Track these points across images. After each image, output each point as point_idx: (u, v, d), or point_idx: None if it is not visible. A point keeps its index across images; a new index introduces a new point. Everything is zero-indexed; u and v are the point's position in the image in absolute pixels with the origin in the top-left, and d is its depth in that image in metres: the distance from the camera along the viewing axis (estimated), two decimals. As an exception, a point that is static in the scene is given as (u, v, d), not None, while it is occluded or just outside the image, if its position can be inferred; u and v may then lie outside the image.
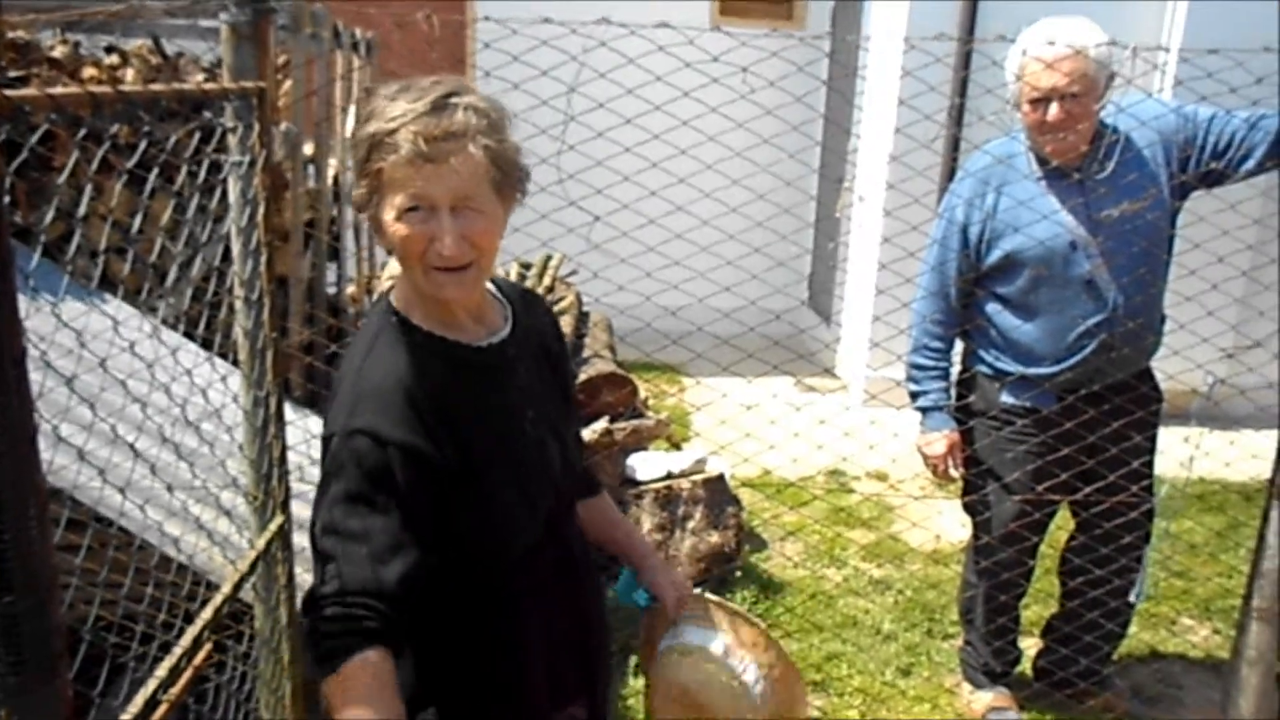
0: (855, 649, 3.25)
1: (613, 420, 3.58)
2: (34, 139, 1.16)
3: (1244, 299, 3.17)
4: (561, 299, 4.12)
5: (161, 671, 1.45)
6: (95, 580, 1.63)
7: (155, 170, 1.57)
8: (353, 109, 3.66)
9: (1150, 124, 2.47)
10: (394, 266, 3.86)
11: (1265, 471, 2.32)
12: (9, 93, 0.97)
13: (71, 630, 1.11)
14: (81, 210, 1.43)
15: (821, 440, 3.01)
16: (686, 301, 2.65)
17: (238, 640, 1.97)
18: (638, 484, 3.45)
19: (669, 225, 2.51)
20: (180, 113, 2.17)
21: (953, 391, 2.77)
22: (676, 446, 4.25)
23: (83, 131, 1.54)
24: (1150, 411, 2.68)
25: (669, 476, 3.50)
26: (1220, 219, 2.61)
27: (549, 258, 4.26)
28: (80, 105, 1.11)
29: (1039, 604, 3.29)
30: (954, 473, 2.75)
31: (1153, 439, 2.72)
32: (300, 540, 2.06)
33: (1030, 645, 3.07)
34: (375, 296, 3.69)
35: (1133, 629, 3.05)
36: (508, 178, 1.30)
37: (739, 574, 3.59)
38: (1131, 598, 2.65)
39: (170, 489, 1.72)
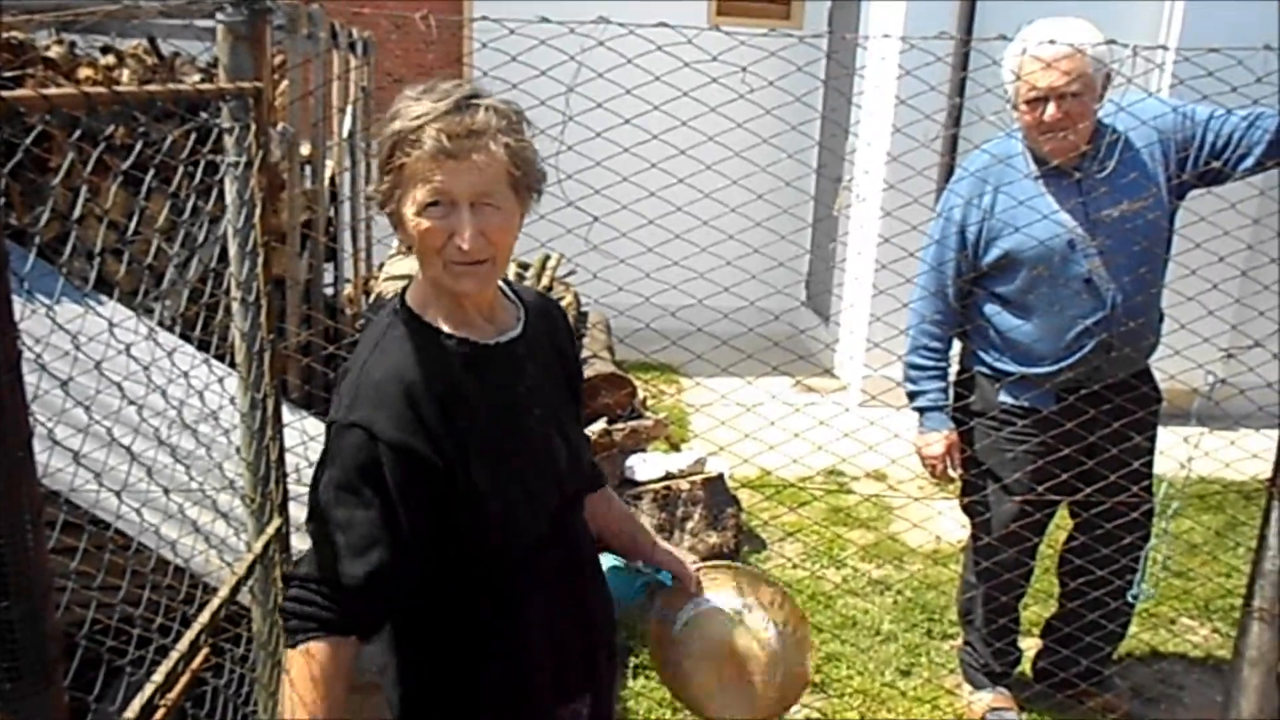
0: (855, 649, 3.24)
1: (611, 421, 3.57)
2: (29, 139, 1.15)
3: (1242, 298, 3.17)
4: (560, 299, 4.11)
5: (159, 676, 1.44)
6: (91, 584, 1.62)
7: (151, 171, 1.57)
8: (350, 109, 3.65)
9: (1149, 123, 2.47)
10: (391, 268, 3.85)
11: (1265, 471, 2.32)
12: (4, 94, 0.96)
13: (67, 634, 1.10)
14: (77, 212, 1.42)
15: (820, 441, 3.00)
16: (685, 302, 2.64)
17: (235, 644, 1.96)
18: (636, 484, 3.44)
19: (666, 226, 2.50)
20: (176, 113, 2.16)
21: (951, 392, 2.77)
22: (675, 447, 4.25)
23: (78, 132, 1.53)
24: (1150, 411, 2.68)
25: (668, 477, 3.49)
26: (1218, 218, 2.61)
27: (547, 258, 4.26)
28: (76, 106, 1.10)
29: (1038, 604, 3.29)
30: (952, 473, 2.75)
31: (1152, 439, 2.72)
32: (298, 543, 2.05)
33: (1030, 646, 3.07)
34: (373, 298, 3.68)
35: (1132, 629, 3.04)
36: (525, 177, 1.33)
37: (738, 575, 3.58)
38: (1131, 597, 2.64)
39: (167, 491, 1.70)
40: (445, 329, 1.39)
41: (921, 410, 2.74)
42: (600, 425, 3.48)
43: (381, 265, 4.06)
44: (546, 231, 2.30)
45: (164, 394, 1.58)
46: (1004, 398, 2.65)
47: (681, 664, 1.78)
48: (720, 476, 3.57)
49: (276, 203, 2.74)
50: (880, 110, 4.93)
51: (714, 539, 3.49)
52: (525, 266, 4.26)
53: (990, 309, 2.64)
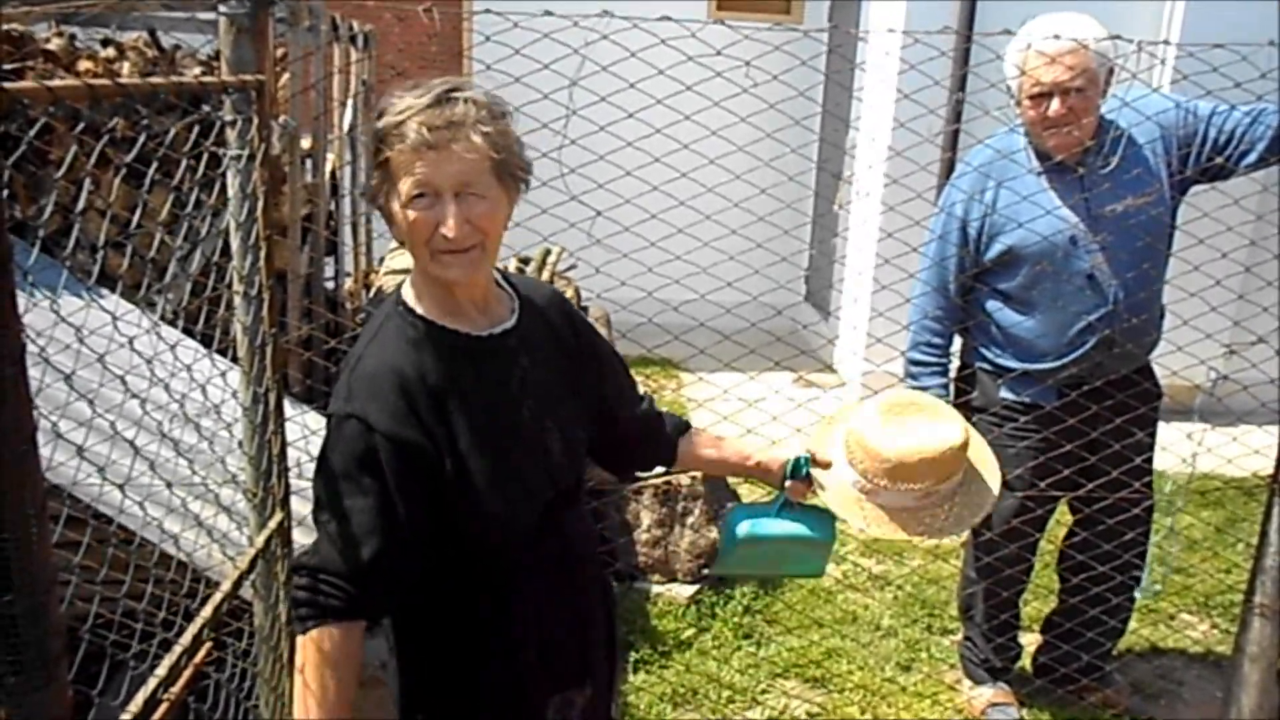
0: (855, 645, 3.24)
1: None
2: (32, 132, 1.14)
3: (1244, 294, 3.16)
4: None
5: (162, 670, 1.44)
6: (94, 578, 1.62)
7: (154, 164, 1.56)
8: (350, 103, 3.64)
9: (1152, 118, 2.47)
10: (392, 262, 3.84)
11: (1266, 467, 2.32)
12: (8, 85, 0.95)
13: (70, 629, 1.09)
14: (80, 205, 1.41)
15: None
16: (685, 297, 2.64)
17: (238, 638, 1.96)
18: (637, 479, 3.44)
19: (667, 220, 2.49)
20: (178, 106, 2.16)
21: (952, 388, 2.76)
22: (675, 442, 4.23)
23: (81, 125, 1.52)
24: (1151, 407, 2.67)
25: (669, 472, 3.49)
26: (1220, 213, 2.60)
27: (547, 252, 4.25)
28: (79, 98, 1.09)
29: (1039, 600, 3.29)
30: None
31: (1153, 435, 2.72)
32: (300, 537, 2.05)
33: (1030, 642, 3.07)
34: (373, 292, 3.67)
35: (1133, 625, 3.04)
36: (508, 164, 1.35)
37: (738, 570, 3.59)
38: (1137, 593, 2.64)
39: (170, 486, 1.70)
40: (438, 321, 1.42)
41: (922, 406, 2.73)
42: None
43: (382, 259, 4.05)
44: (547, 226, 2.30)
45: (167, 388, 1.57)
46: (1005, 394, 2.65)
47: (883, 460, 1.66)
48: (721, 471, 3.57)
49: (279, 196, 2.73)
50: (881, 105, 4.93)
51: (714, 534, 3.49)
52: (526, 261, 4.25)
53: (992, 305, 2.63)
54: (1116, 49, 2.39)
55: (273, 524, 1.88)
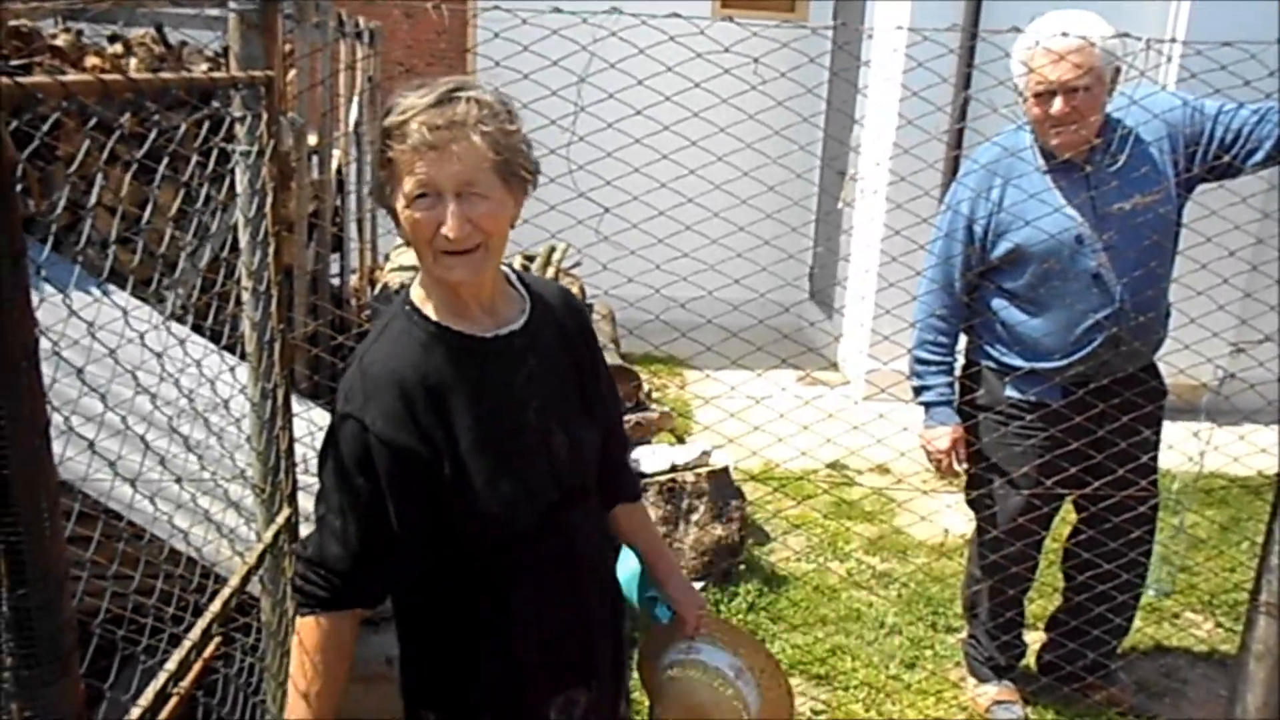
0: (859, 642, 3.24)
1: (617, 413, 3.57)
2: (46, 127, 1.15)
3: (1250, 293, 3.16)
4: (565, 291, 4.11)
5: (171, 664, 1.44)
6: (104, 573, 1.62)
7: (160, 160, 1.56)
8: (356, 100, 3.65)
9: (1159, 117, 2.46)
10: (398, 258, 3.84)
11: (1272, 466, 2.32)
12: (23, 80, 0.95)
13: (81, 623, 1.10)
14: (93, 200, 1.42)
15: (824, 434, 3.00)
16: (691, 294, 2.64)
17: (245, 633, 1.97)
18: (642, 477, 3.44)
19: (673, 217, 2.49)
20: (188, 102, 2.16)
21: (957, 386, 2.76)
22: (680, 439, 4.25)
23: (94, 120, 1.52)
24: (1156, 405, 2.67)
25: (673, 469, 3.49)
26: (1227, 212, 2.60)
27: (553, 249, 4.25)
28: (92, 93, 1.09)
29: (1043, 598, 3.29)
30: (957, 468, 2.74)
31: (1158, 433, 2.72)
32: (306, 533, 2.05)
33: (1034, 640, 3.07)
34: (378, 288, 3.67)
35: (1137, 624, 3.04)
36: (511, 164, 1.34)
37: (743, 567, 3.59)
38: (1151, 592, 2.64)
39: (179, 481, 1.71)
40: (444, 323, 1.42)
41: (927, 405, 2.74)
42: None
43: (387, 256, 4.06)
44: (554, 222, 2.30)
45: (177, 384, 1.58)
46: (1011, 392, 2.65)
47: (661, 706, 1.74)
48: (725, 469, 3.57)
49: (286, 192, 2.73)
50: (888, 102, 4.92)
51: (719, 531, 3.49)
52: (531, 258, 4.25)
53: (998, 303, 2.63)
54: (1124, 47, 2.39)
55: (280, 519, 1.89)
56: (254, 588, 1.89)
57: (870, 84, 5.16)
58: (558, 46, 2.00)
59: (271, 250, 1.75)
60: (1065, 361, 2.56)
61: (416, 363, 1.38)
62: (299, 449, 2.02)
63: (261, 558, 1.82)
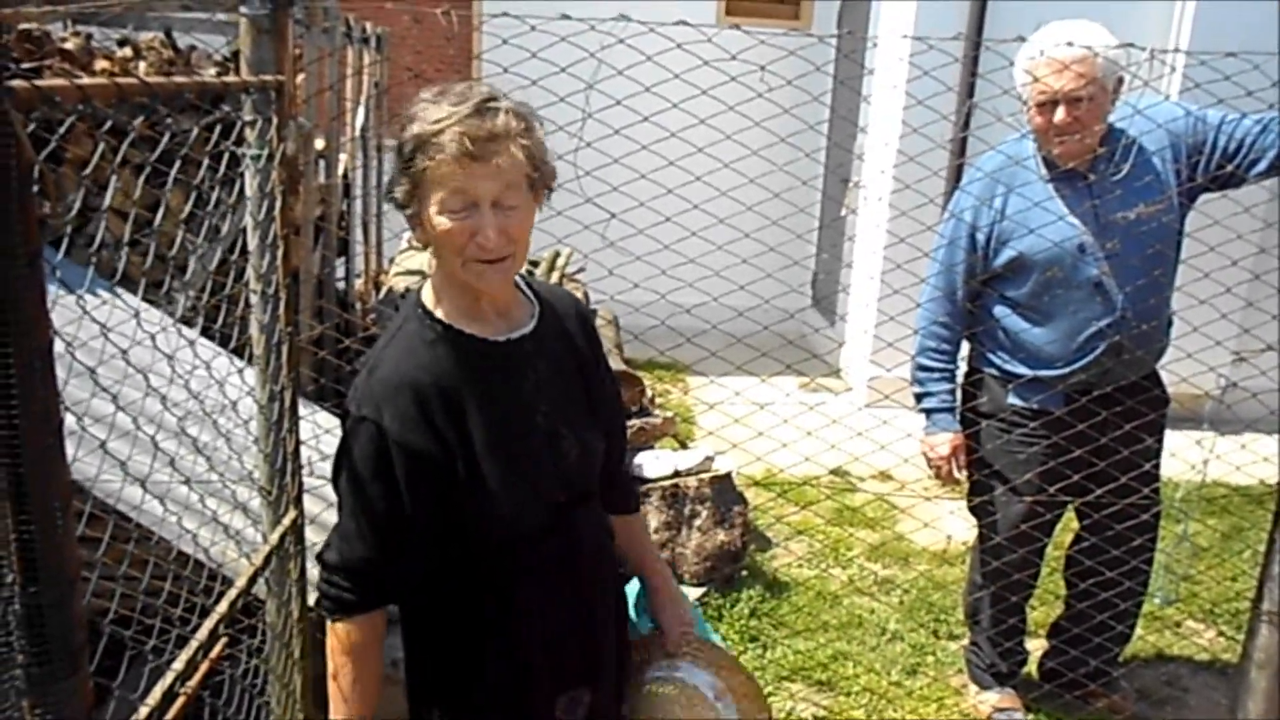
0: (861, 648, 3.25)
1: (620, 418, 3.58)
2: (62, 130, 1.16)
3: (1252, 302, 3.17)
4: (569, 296, 4.12)
5: (179, 664, 1.45)
6: (111, 574, 1.63)
7: (166, 163, 1.57)
8: (363, 104, 3.66)
9: (1162, 126, 2.47)
10: (404, 262, 3.86)
11: (1274, 474, 2.33)
12: (39, 83, 0.97)
13: (90, 622, 1.11)
14: (106, 202, 1.43)
15: (827, 440, 3.01)
16: (693, 300, 2.65)
17: (250, 634, 1.97)
18: (645, 482, 3.45)
19: (677, 223, 2.50)
20: (200, 106, 2.17)
21: (959, 393, 2.77)
22: (683, 445, 4.25)
23: (109, 124, 1.54)
24: (1159, 413, 2.68)
25: (676, 475, 3.50)
26: (1229, 221, 2.61)
27: (557, 254, 4.26)
28: (107, 96, 1.11)
29: (1045, 605, 3.30)
30: (958, 475, 2.75)
31: (1161, 441, 2.72)
32: (312, 536, 2.06)
33: (1035, 647, 3.07)
34: (384, 292, 3.69)
35: (1139, 632, 3.05)
36: (541, 177, 1.39)
37: (745, 573, 3.60)
38: (1157, 599, 2.65)
39: (189, 483, 1.72)
40: (456, 325, 1.44)
41: (928, 411, 2.74)
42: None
43: (393, 260, 4.07)
44: (560, 228, 2.31)
45: (187, 386, 1.59)
46: (1013, 400, 2.66)
47: (636, 714, 1.75)
48: (728, 475, 3.58)
49: (295, 196, 2.75)
50: (891, 110, 4.94)
51: (722, 537, 3.50)
52: (535, 263, 4.27)
53: (1001, 311, 2.64)
54: (1127, 57, 2.40)
55: (286, 521, 1.89)
56: (260, 589, 1.90)
57: (874, 92, 5.18)
58: (565, 53, 2.01)
59: (280, 254, 1.77)
60: (1068, 369, 2.56)
61: (429, 366, 1.40)
62: (304, 451, 2.03)
63: (267, 559, 1.83)
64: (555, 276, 4.17)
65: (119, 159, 1.35)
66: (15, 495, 0.98)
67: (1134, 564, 2.73)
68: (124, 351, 1.28)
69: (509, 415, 1.45)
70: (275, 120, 1.68)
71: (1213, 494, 4.14)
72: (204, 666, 1.58)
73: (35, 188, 0.98)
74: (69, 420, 1.10)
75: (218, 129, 1.82)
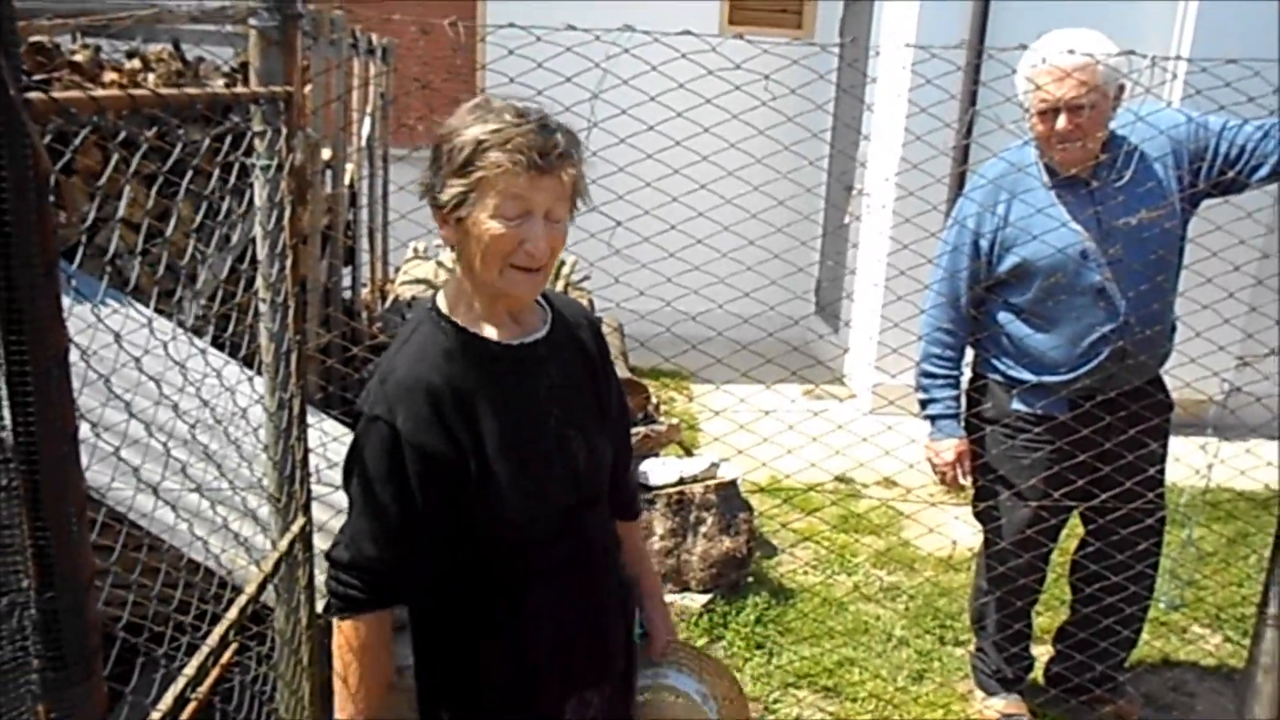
0: (867, 655, 3.25)
1: (625, 425, 3.59)
2: (78, 142, 1.18)
3: (1256, 306, 3.18)
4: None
5: (190, 670, 1.46)
6: (125, 581, 1.65)
7: (174, 173, 1.59)
8: (369, 115, 3.69)
9: (1164, 133, 2.48)
10: (412, 271, 3.87)
11: (1278, 480, 2.33)
12: (56, 95, 0.98)
13: (102, 629, 1.12)
14: (119, 212, 1.45)
15: (832, 447, 3.02)
16: (698, 308, 2.66)
17: (260, 641, 1.99)
18: (650, 489, 3.46)
19: (682, 231, 2.52)
20: (211, 117, 2.19)
21: (964, 399, 2.78)
22: (688, 452, 4.26)
23: (112, 135, 1.55)
24: (1163, 418, 2.69)
25: (681, 481, 3.51)
26: (1232, 226, 2.62)
27: (562, 263, 4.28)
28: (121, 107, 1.12)
29: (1050, 611, 3.30)
30: (962, 481, 2.76)
31: (1165, 445, 2.73)
32: (320, 543, 2.07)
33: (1042, 653, 3.08)
34: (390, 300, 3.70)
35: (1145, 637, 3.05)
36: (580, 196, 1.45)
37: (751, 579, 3.60)
38: (1163, 603, 2.65)
39: (200, 490, 1.73)
40: (471, 328, 1.46)
41: (933, 418, 2.75)
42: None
43: (398, 269, 4.09)
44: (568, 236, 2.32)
45: (199, 394, 1.60)
46: (1018, 405, 2.66)
47: None
48: (733, 482, 3.59)
49: (304, 206, 2.77)
50: (894, 118, 4.95)
51: (727, 544, 3.50)
52: (540, 271, 4.28)
53: (1004, 317, 2.65)
54: (1130, 64, 2.41)
55: (295, 528, 1.91)
56: (269, 596, 1.91)
57: (877, 100, 5.20)
58: (570, 63, 2.03)
59: (289, 263, 1.78)
60: (1072, 375, 2.57)
61: (443, 367, 1.42)
62: (313, 459, 2.04)
63: (276, 566, 1.84)
64: (561, 284, 4.18)
65: (132, 170, 1.37)
66: (31, 501, 1.00)
67: (1139, 569, 2.73)
68: (137, 360, 1.30)
69: (522, 418, 1.47)
70: (284, 130, 1.70)
71: (1217, 499, 4.14)
72: (214, 672, 1.59)
73: (51, 198, 0.99)
74: (82, 429, 1.12)
75: (227, 139, 1.84)
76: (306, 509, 1.95)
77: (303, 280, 1.83)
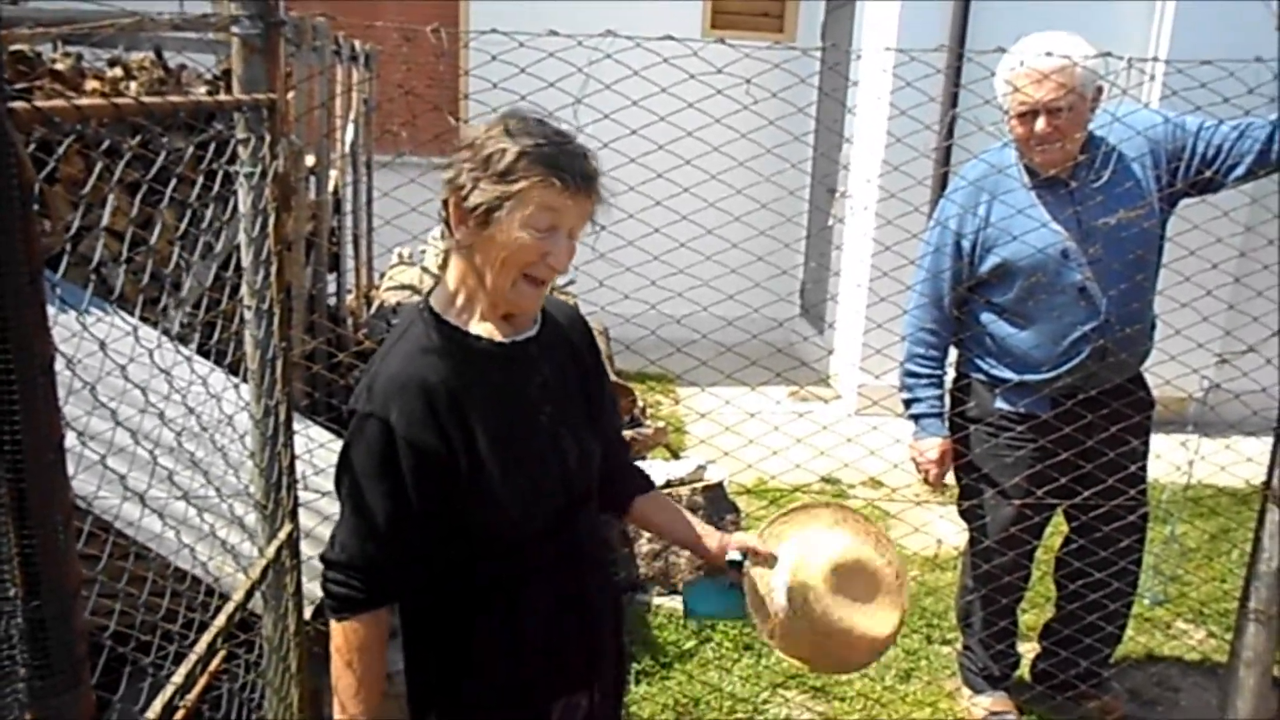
0: (855, 655, 3.26)
1: (612, 429, 3.60)
2: (61, 150, 1.18)
3: (1235, 304, 3.21)
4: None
5: (178, 678, 1.46)
6: (111, 590, 1.64)
7: (157, 181, 1.59)
8: (353, 122, 3.69)
9: (1142, 133, 2.51)
10: (396, 277, 3.87)
11: (1259, 475, 2.35)
12: (39, 104, 0.98)
13: (89, 637, 1.12)
14: (104, 220, 1.45)
15: (817, 448, 3.03)
16: (683, 311, 2.67)
17: (248, 648, 1.98)
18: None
19: (664, 235, 2.53)
20: (195, 125, 2.19)
21: (947, 399, 2.80)
22: (675, 455, 4.27)
23: (92, 143, 1.55)
24: (1144, 415, 2.71)
25: (668, 485, 3.52)
26: (1211, 225, 2.65)
27: (546, 268, 4.28)
28: (105, 115, 1.12)
29: (1036, 609, 3.32)
30: (947, 479, 2.78)
31: (1146, 443, 2.75)
32: (308, 550, 2.07)
33: (1028, 650, 3.10)
34: (375, 306, 3.70)
35: (1129, 633, 3.07)
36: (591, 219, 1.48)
37: (738, 581, 3.61)
38: (1146, 599, 2.67)
39: (187, 498, 1.73)
40: (464, 327, 1.48)
41: (916, 417, 2.77)
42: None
43: (383, 275, 4.09)
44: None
45: (184, 402, 1.60)
46: (1000, 404, 2.69)
47: (817, 623, 1.72)
48: (720, 484, 3.60)
49: (288, 213, 2.77)
50: (876, 120, 4.98)
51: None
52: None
53: (987, 317, 2.67)
54: (1106, 66, 2.44)
55: (282, 535, 1.91)
56: (256, 603, 1.91)
57: (859, 103, 5.23)
58: (553, 68, 2.04)
59: (274, 270, 1.78)
60: (1054, 373, 2.60)
61: (437, 365, 1.43)
62: (299, 466, 2.04)
63: (264, 573, 1.84)
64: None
65: (115, 178, 1.37)
66: (18, 510, 1.00)
67: (1122, 565, 2.76)
68: (122, 368, 1.30)
69: (513, 416, 1.48)
70: (267, 137, 1.71)
71: (1199, 495, 4.18)
72: (202, 680, 1.59)
73: (35, 206, 0.99)
74: (68, 438, 1.12)
75: (210, 147, 1.84)
76: (293, 515, 1.95)
77: (288, 287, 1.83)
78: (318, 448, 2.51)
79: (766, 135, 2.69)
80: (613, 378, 3.73)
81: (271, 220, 1.76)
